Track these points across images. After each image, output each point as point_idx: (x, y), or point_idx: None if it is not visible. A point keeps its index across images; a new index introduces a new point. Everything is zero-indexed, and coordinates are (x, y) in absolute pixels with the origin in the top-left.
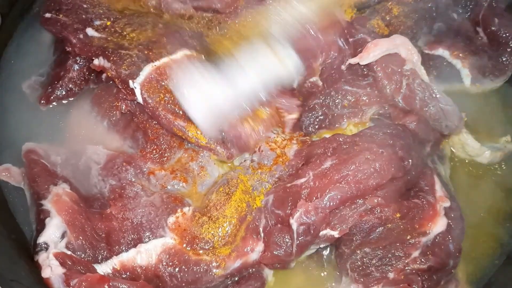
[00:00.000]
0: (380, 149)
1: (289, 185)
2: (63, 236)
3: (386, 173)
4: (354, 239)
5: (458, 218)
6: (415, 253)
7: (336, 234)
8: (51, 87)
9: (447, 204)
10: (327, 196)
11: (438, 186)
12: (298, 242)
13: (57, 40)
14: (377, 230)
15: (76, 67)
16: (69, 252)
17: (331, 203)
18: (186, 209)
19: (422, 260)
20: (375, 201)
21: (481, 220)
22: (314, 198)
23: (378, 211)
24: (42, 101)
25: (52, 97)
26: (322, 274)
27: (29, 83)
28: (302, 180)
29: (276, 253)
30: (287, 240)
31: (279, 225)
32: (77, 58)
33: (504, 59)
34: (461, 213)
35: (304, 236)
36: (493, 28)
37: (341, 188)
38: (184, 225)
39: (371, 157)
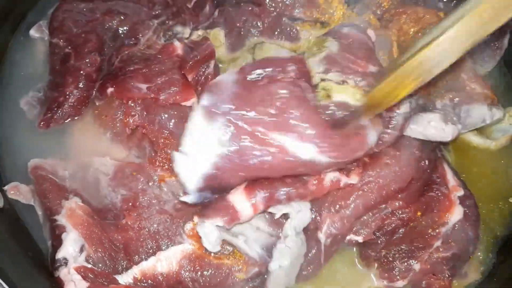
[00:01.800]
0: (398, 152)
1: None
2: (81, 250)
3: (407, 176)
4: (379, 241)
5: (473, 205)
6: (437, 243)
7: (360, 239)
8: (50, 112)
9: (460, 193)
10: (352, 205)
11: (449, 176)
12: (325, 253)
13: (51, 54)
14: (400, 231)
15: (76, 92)
16: (89, 266)
17: (357, 212)
18: None
19: (445, 248)
20: (397, 204)
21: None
22: (338, 207)
23: (400, 213)
24: (41, 125)
25: (51, 123)
26: (350, 272)
27: (26, 99)
28: None
29: (307, 273)
30: (314, 254)
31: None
32: (77, 82)
33: (491, 44)
34: (475, 200)
35: (331, 246)
36: None
37: (365, 196)
38: None
39: (391, 161)
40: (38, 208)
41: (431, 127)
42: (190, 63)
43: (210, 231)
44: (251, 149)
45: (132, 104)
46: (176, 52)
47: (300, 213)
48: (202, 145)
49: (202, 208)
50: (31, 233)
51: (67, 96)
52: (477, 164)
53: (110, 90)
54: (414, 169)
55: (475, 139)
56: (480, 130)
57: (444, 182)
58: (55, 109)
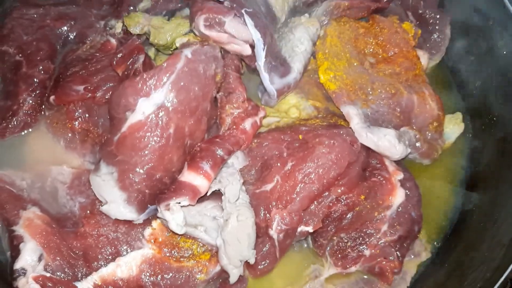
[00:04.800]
0: (331, 140)
1: (258, 191)
2: (40, 259)
3: (343, 161)
4: (328, 229)
5: (413, 187)
6: (384, 227)
7: (310, 229)
8: (4, 121)
9: (400, 176)
10: (297, 198)
11: (388, 162)
12: (279, 247)
13: (1, 62)
14: (348, 216)
15: (30, 100)
16: (48, 274)
17: (303, 204)
18: (159, 221)
19: (391, 231)
20: (339, 190)
21: (432, 186)
22: (285, 202)
23: (344, 198)
24: None
25: (7, 132)
26: (305, 262)
27: None
28: (270, 185)
29: (262, 266)
30: (269, 249)
31: (258, 239)
32: (31, 89)
33: (435, 36)
34: (415, 181)
35: (284, 241)
36: (420, 11)
37: (308, 187)
38: (161, 236)
39: (326, 150)
40: None
41: (386, 140)
42: (115, 58)
43: (177, 211)
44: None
45: (74, 108)
46: (113, 49)
47: (228, 186)
48: None
49: (161, 195)
50: None
51: (21, 104)
52: None
53: (52, 97)
54: (348, 153)
55: None
56: None
57: (384, 167)
58: (10, 117)
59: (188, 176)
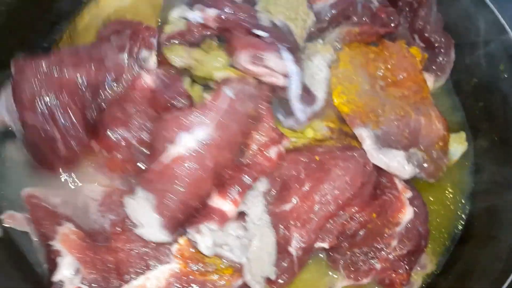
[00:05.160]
0: (346, 162)
1: (277, 210)
2: (76, 273)
3: (357, 182)
4: (342, 245)
5: (421, 205)
6: (394, 242)
7: (326, 245)
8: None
9: (409, 194)
10: (315, 218)
11: (397, 180)
12: (298, 263)
13: (27, 135)
14: (360, 233)
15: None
16: (85, 287)
17: (320, 223)
18: (185, 237)
19: (401, 246)
20: (353, 210)
21: (435, 202)
22: (303, 221)
23: (357, 216)
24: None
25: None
26: (321, 274)
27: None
28: (289, 205)
29: (282, 281)
30: (288, 265)
31: (278, 255)
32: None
33: (440, 59)
34: (422, 199)
35: (302, 256)
36: (426, 35)
37: (325, 208)
38: (187, 251)
39: (341, 172)
40: (33, 235)
41: (396, 161)
42: (161, 100)
43: (206, 234)
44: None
45: (114, 153)
46: (147, 85)
47: (252, 208)
48: None
49: (191, 219)
50: (29, 258)
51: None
52: None
53: (93, 143)
54: (361, 175)
55: None
56: None
57: (394, 185)
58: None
59: (218, 202)
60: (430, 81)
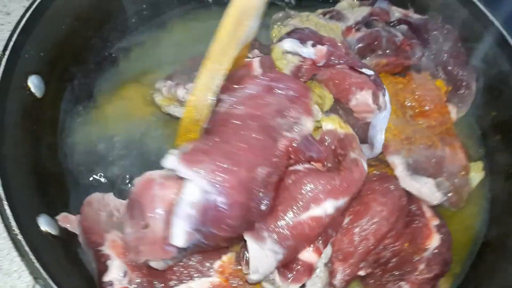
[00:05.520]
0: (384, 198)
1: None
2: (124, 275)
3: (393, 217)
4: (376, 271)
5: (446, 232)
6: (421, 266)
7: (362, 273)
8: None
9: (436, 222)
10: (356, 253)
11: (425, 207)
12: None
13: None
14: (393, 260)
15: None
16: (131, 287)
17: (361, 258)
18: (228, 255)
19: (428, 270)
20: (387, 241)
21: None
22: (345, 255)
23: (391, 247)
24: None
25: None
26: None
27: None
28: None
29: None
30: None
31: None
32: None
33: (462, 91)
34: (447, 227)
35: (345, 286)
36: (449, 68)
37: (365, 244)
38: (228, 267)
39: (380, 208)
40: (81, 237)
41: (427, 187)
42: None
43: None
44: None
45: None
46: None
47: (326, 250)
48: None
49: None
50: (80, 256)
51: None
52: None
53: None
54: (398, 209)
55: None
56: None
57: (422, 213)
58: None
59: (310, 255)
60: (453, 113)
